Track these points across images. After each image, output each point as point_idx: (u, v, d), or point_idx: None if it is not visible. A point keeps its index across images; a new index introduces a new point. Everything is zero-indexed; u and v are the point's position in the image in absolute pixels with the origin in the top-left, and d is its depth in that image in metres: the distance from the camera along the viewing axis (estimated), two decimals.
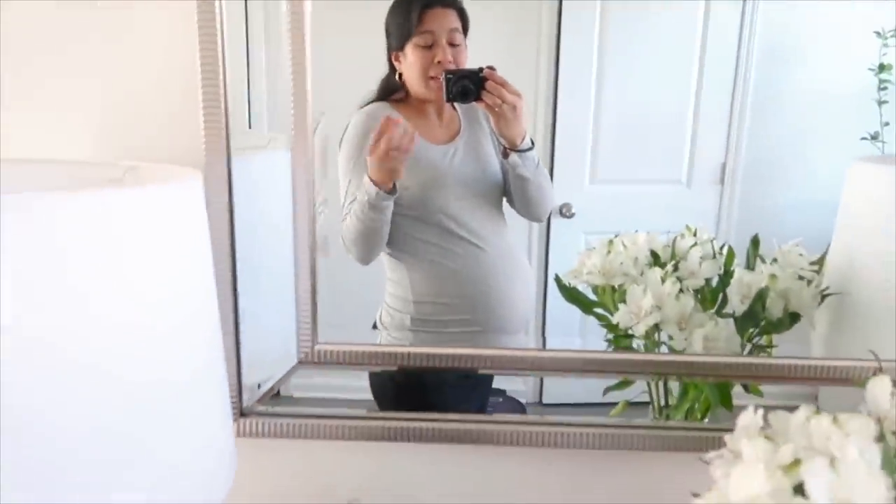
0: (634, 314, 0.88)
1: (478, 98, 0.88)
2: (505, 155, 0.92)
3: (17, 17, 0.80)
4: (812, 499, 0.41)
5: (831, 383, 0.82)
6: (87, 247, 0.46)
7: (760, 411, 0.53)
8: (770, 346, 0.91)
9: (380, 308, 0.98)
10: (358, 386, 0.95)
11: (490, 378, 0.97)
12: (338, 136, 0.92)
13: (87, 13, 0.79)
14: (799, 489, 0.43)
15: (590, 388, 0.92)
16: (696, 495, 0.50)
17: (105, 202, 0.48)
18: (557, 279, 0.96)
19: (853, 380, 0.80)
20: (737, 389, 0.90)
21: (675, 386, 0.92)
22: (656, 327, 0.88)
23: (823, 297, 0.89)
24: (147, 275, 0.51)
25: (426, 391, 0.95)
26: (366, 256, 0.94)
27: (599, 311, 0.93)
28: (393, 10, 0.89)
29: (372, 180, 0.87)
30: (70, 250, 0.46)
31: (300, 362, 0.84)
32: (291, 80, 0.76)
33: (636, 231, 0.93)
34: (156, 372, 0.52)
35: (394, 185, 0.88)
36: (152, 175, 0.65)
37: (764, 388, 0.89)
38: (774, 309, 0.88)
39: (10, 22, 0.80)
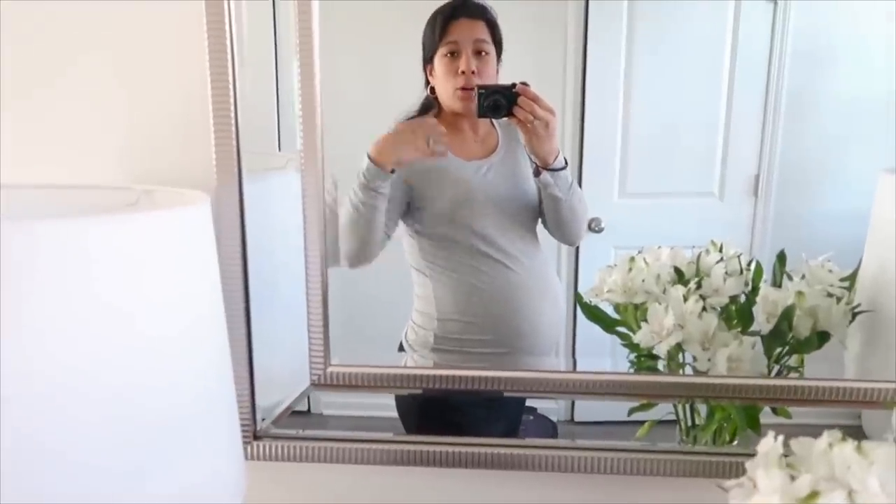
0: (656, 333, 0.85)
1: (509, 114, 0.87)
2: (537, 173, 0.91)
3: (35, 45, 0.82)
4: None
5: (862, 406, 0.78)
6: (100, 270, 0.47)
7: (780, 438, 0.51)
8: (801, 366, 0.87)
9: (406, 326, 0.97)
10: (387, 404, 0.94)
11: (522, 399, 0.96)
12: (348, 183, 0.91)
13: (103, 39, 0.81)
14: None
15: (623, 406, 0.89)
16: None
17: (118, 227, 0.49)
18: (578, 297, 0.94)
19: (884, 402, 0.76)
20: (766, 411, 0.86)
21: (702, 407, 0.89)
22: (679, 347, 0.85)
23: (854, 314, 0.85)
24: (157, 292, 0.51)
25: (452, 412, 0.94)
26: (356, 253, 0.91)
27: (622, 329, 0.91)
28: (427, 24, 0.89)
29: (371, 158, 0.87)
30: (87, 273, 0.47)
31: (313, 384, 0.84)
32: (300, 100, 0.76)
33: (659, 247, 0.91)
34: (161, 393, 0.52)
35: (392, 170, 0.87)
36: (165, 199, 0.66)
37: (799, 409, 0.85)
38: (802, 328, 0.84)
39: (27, 49, 0.82)
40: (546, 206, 0.92)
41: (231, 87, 0.74)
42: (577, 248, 0.96)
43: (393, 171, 0.88)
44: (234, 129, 0.75)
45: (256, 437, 0.83)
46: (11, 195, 0.59)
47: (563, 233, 0.94)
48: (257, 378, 0.82)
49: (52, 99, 0.83)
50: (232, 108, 0.74)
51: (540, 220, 0.94)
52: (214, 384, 0.59)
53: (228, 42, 0.74)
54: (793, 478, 0.44)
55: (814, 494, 0.41)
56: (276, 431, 0.85)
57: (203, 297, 0.57)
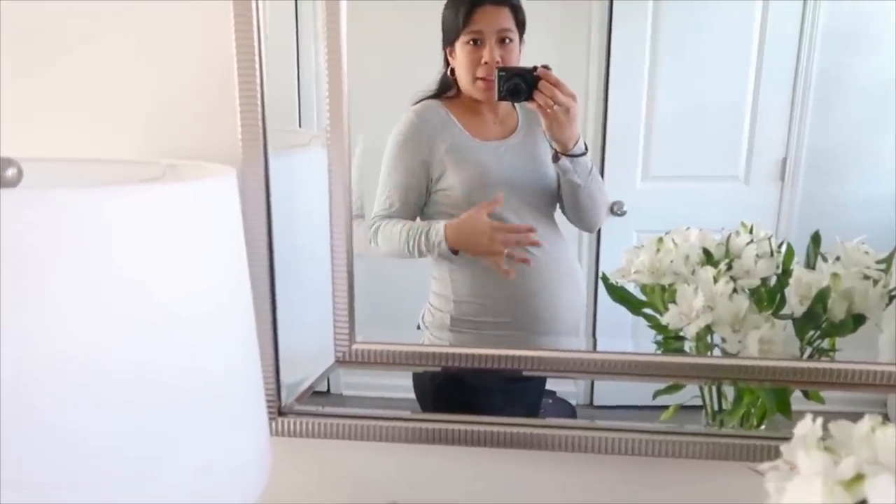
0: (685, 315, 0.84)
1: (529, 98, 0.85)
2: (555, 159, 0.89)
3: (62, 19, 0.82)
4: None
5: None
6: (124, 243, 0.47)
7: (820, 420, 0.50)
8: (833, 349, 0.85)
9: (423, 307, 0.97)
10: (405, 385, 0.94)
11: (542, 381, 0.95)
12: (377, 150, 0.91)
13: (129, 13, 0.81)
14: None
15: (643, 391, 0.89)
16: None
17: (145, 198, 0.48)
18: (604, 278, 0.92)
19: None
20: (796, 395, 0.85)
21: (729, 390, 0.88)
22: (708, 329, 0.84)
23: (892, 297, 0.83)
24: (182, 267, 0.51)
25: (470, 395, 0.94)
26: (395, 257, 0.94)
27: (648, 311, 0.90)
28: (448, 4, 0.87)
29: (447, 240, 0.89)
30: (111, 244, 0.46)
31: (337, 361, 0.84)
32: (327, 75, 0.75)
33: (687, 228, 0.89)
34: (189, 366, 0.52)
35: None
36: (190, 172, 0.66)
37: (829, 394, 0.84)
38: (837, 310, 0.82)
39: (54, 23, 0.82)
40: (564, 191, 0.91)
41: (257, 60, 0.73)
42: (599, 232, 0.95)
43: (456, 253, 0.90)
44: (259, 103, 0.74)
45: (281, 414, 0.83)
46: (36, 168, 0.59)
47: (582, 220, 0.93)
48: (281, 357, 0.82)
49: (78, 73, 0.83)
50: (258, 81, 0.74)
51: (559, 205, 0.92)
52: (241, 361, 0.59)
53: (255, 16, 0.73)
54: (835, 462, 0.43)
55: (859, 477, 0.40)
56: (300, 408, 0.85)
57: (230, 273, 0.57)
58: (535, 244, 0.90)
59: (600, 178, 0.90)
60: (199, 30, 0.80)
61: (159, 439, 0.50)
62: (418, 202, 0.92)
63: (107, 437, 0.47)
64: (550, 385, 0.96)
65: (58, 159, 0.66)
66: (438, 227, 0.89)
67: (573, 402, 0.98)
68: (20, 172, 0.56)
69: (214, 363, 0.55)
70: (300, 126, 0.87)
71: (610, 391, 0.97)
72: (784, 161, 0.89)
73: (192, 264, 0.52)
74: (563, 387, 0.97)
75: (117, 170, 0.69)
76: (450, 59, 0.89)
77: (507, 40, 0.87)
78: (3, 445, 0.43)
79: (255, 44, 0.74)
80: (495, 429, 0.83)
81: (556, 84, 0.85)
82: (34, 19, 0.82)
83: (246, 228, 0.61)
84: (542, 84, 0.85)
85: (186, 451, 0.52)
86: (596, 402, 0.98)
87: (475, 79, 0.88)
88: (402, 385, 0.93)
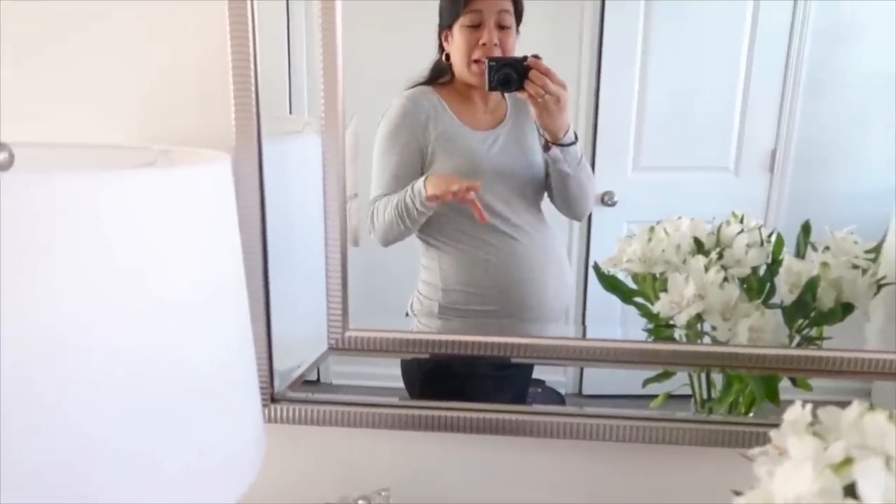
0: (676, 303, 0.85)
1: (520, 87, 0.85)
2: (546, 148, 0.90)
3: (55, 3, 0.81)
4: (865, 501, 0.38)
5: (885, 377, 0.78)
6: (117, 228, 0.46)
7: (809, 406, 0.50)
8: (821, 337, 0.86)
9: (412, 295, 0.97)
10: (395, 374, 0.94)
11: (529, 370, 0.95)
12: (368, 133, 0.91)
13: (121, 3, 0.80)
14: (850, 490, 0.40)
15: (632, 380, 0.90)
16: (737, 493, 0.48)
17: (138, 182, 0.48)
18: (596, 267, 0.93)
19: None
20: (784, 384, 0.86)
21: (718, 379, 0.89)
22: (699, 317, 0.84)
23: (879, 287, 0.84)
24: (175, 253, 0.50)
25: (459, 383, 0.94)
26: (388, 243, 0.94)
27: (639, 300, 0.90)
28: None
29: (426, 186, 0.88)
30: (104, 228, 0.46)
31: (330, 348, 0.84)
32: (321, 62, 0.75)
33: (679, 217, 0.89)
34: (183, 352, 0.52)
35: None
36: (183, 158, 0.65)
37: (815, 382, 0.85)
38: (826, 299, 0.83)
39: (48, 7, 0.81)
40: (554, 180, 0.91)
41: (251, 45, 0.73)
42: (590, 222, 0.95)
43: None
44: (253, 89, 0.74)
45: (274, 401, 0.83)
46: (26, 153, 0.58)
47: (570, 208, 0.93)
48: (274, 343, 0.82)
49: (71, 58, 0.82)
50: (252, 66, 0.74)
51: (546, 194, 0.93)
52: (236, 348, 0.58)
53: (249, 1, 0.72)
54: (825, 446, 0.43)
55: (848, 461, 0.41)
56: (293, 395, 0.85)
57: (224, 260, 0.57)
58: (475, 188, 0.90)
59: (589, 168, 0.91)
60: (193, 16, 0.79)
61: (154, 426, 0.50)
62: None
63: (102, 423, 0.47)
64: (539, 374, 0.97)
65: (48, 144, 0.66)
66: (420, 179, 0.89)
67: (562, 392, 0.98)
68: (11, 156, 0.56)
69: (209, 350, 0.54)
70: (290, 113, 0.86)
71: (599, 380, 0.98)
72: (774, 152, 0.90)
73: (186, 251, 0.51)
74: (553, 376, 0.97)
75: (109, 155, 0.69)
76: (445, 43, 0.89)
77: (505, 25, 0.87)
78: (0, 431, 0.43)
79: (249, 29, 0.73)
80: (485, 415, 0.84)
81: (546, 73, 0.85)
82: (27, 6, 0.80)
83: (239, 215, 0.61)
84: (532, 73, 0.85)
85: (182, 438, 0.52)
86: (585, 392, 0.99)
87: (471, 62, 0.88)
88: (391, 374, 0.93)
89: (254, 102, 0.74)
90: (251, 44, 0.73)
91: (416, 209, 0.89)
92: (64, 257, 0.44)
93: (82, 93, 0.83)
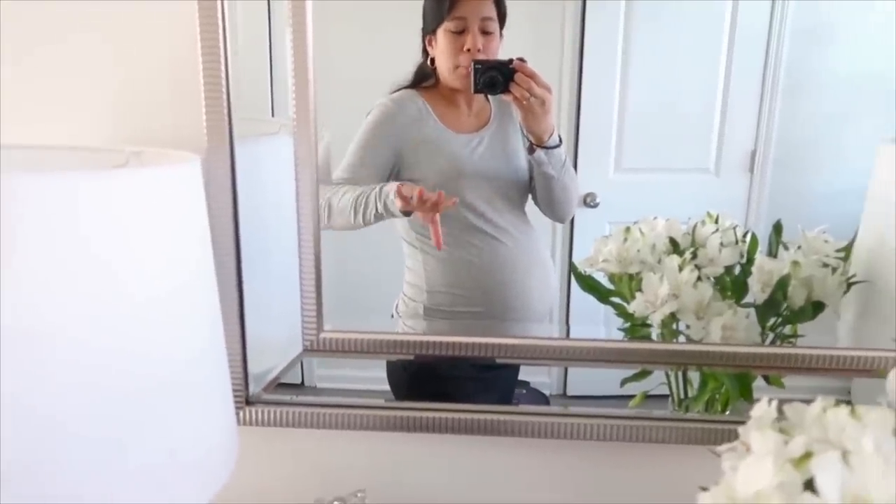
0: (651, 303, 0.85)
1: (505, 90, 0.86)
2: (531, 151, 0.90)
3: (26, 6, 0.80)
4: (822, 495, 0.39)
5: (855, 374, 0.79)
6: (88, 228, 0.47)
7: (775, 402, 0.51)
8: (795, 335, 0.87)
9: (397, 298, 0.97)
10: (380, 377, 0.94)
11: (514, 371, 0.96)
12: (340, 147, 0.91)
13: (95, 5, 0.79)
14: (810, 484, 0.40)
15: (616, 380, 0.90)
16: (703, 489, 0.48)
17: (108, 183, 0.48)
18: (573, 267, 0.93)
19: (878, 370, 0.77)
20: (759, 383, 0.87)
21: (694, 378, 0.90)
22: (673, 316, 0.85)
23: (849, 285, 0.85)
24: (145, 252, 0.51)
25: (444, 384, 0.94)
26: (334, 228, 0.90)
27: (616, 300, 0.91)
28: None
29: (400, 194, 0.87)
30: (76, 229, 0.46)
31: (305, 350, 0.84)
32: (292, 61, 0.74)
33: (655, 217, 0.90)
34: (152, 349, 0.52)
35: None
36: (154, 159, 0.65)
37: (791, 381, 0.86)
38: (797, 297, 0.84)
39: (14, 15, 0.80)
40: (538, 183, 0.91)
41: (221, 47, 0.73)
42: (573, 223, 0.95)
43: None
44: (224, 90, 0.74)
45: (249, 403, 0.83)
46: None
47: (554, 210, 0.93)
48: (249, 346, 0.82)
49: (43, 60, 0.82)
50: (222, 68, 0.73)
51: (531, 196, 0.93)
52: (206, 348, 0.58)
53: (219, 4, 0.73)
54: (786, 441, 0.44)
55: (807, 455, 0.41)
56: (268, 397, 0.85)
57: (193, 259, 0.57)
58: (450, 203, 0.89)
59: (573, 170, 0.91)
60: (165, 19, 0.79)
61: (123, 422, 0.50)
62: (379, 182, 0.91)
63: (70, 418, 0.47)
64: (524, 376, 0.97)
65: (19, 146, 0.65)
66: (392, 185, 0.88)
67: (547, 393, 0.99)
68: None
69: (178, 348, 0.54)
70: (273, 115, 0.86)
71: (582, 381, 0.98)
72: (753, 153, 0.91)
73: (156, 249, 0.52)
74: (537, 377, 0.98)
75: (81, 157, 0.68)
76: (429, 48, 0.89)
77: (489, 31, 0.87)
78: None
79: (220, 29, 0.73)
80: (468, 416, 0.84)
81: (531, 76, 0.85)
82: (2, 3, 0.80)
83: (212, 216, 0.61)
84: (518, 76, 0.85)
85: (151, 436, 0.52)
86: (569, 392, 0.99)
87: (456, 66, 0.88)
88: (376, 377, 0.93)
89: (225, 103, 0.74)
90: (221, 44, 0.73)
91: (376, 212, 0.88)
92: (36, 253, 0.44)
93: (55, 96, 0.83)
